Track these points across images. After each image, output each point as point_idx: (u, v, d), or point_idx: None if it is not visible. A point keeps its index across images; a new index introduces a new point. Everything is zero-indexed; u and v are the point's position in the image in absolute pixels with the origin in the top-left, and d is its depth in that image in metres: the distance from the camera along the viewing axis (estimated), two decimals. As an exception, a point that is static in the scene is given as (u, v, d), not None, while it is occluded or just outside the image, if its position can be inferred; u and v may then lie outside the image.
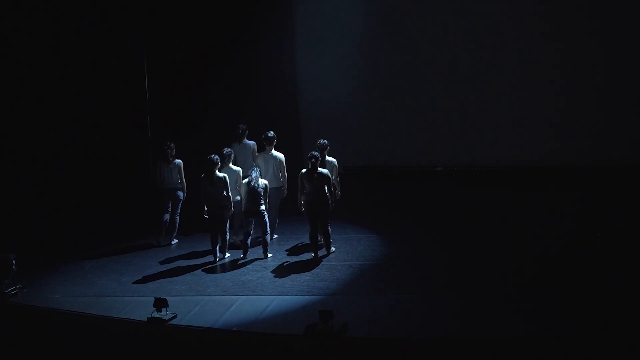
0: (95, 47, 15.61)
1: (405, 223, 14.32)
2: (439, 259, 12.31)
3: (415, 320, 9.98)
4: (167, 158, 13.42)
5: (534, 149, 16.43)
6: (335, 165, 13.00)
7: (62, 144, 15.51)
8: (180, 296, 11.08)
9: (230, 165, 12.94)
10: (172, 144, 13.46)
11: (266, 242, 12.62)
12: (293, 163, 13.73)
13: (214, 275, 12.05)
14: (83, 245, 13.61)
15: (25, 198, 14.83)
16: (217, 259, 12.60)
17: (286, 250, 13.00)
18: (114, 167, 15.71)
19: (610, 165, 15.93)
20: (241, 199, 12.75)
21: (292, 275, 11.84)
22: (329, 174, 12.50)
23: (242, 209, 12.69)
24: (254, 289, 11.35)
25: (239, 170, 12.95)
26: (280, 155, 13.27)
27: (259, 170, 12.68)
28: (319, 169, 12.41)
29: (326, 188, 12.37)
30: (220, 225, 12.62)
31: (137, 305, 10.76)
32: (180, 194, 13.52)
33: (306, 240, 13.28)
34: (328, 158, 12.98)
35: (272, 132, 13.30)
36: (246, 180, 12.53)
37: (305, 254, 12.75)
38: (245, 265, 12.37)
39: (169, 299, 10.23)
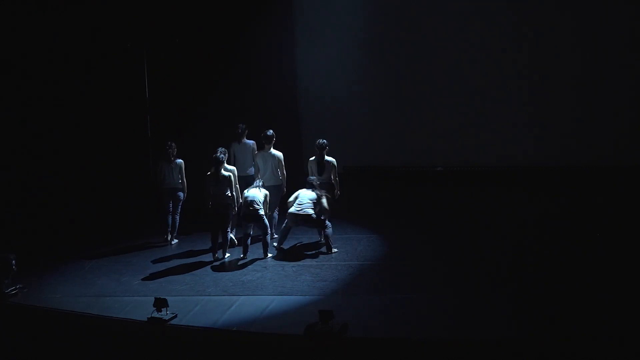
0: (95, 47, 15.62)
1: (404, 223, 14.33)
2: (439, 258, 12.32)
3: (415, 320, 9.98)
4: (169, 158, 13.43)
5: (534, 149, 16.44)
6: (334, 165, 13.01)
7: (62, 143, 15.51)
8: (180, 296, 11.07)
9: (222, 171, 12.90)
10: (174, 144, 13.47)
11: (266, 242, 12.63)
12: (293, 163, 13.74)
13: (214, 275, 12.06)
14: (83, 245, 13.62)
15: (25, 198, 14.82)
16: (217, 258, 12.61)
17: (286, 250, 13.00)
18: (114, 167, 15.71)
19: (611, 166, 15.94)
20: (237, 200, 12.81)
21: (292, 275, 11.84)
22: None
23: (241, 213, 12.70)
24: (254, 289, 11.35)
25: (234, 170, 12.96)
26: (279, 154, 13.28)
27: (261, 182, 12.70)
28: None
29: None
30: (223, 224, 12.64)
31: (137, 305, 10.76)
32: (181, 194, 13.52)
33: (306, 240, 13.32)
34: (327, 158, 13.00)
35: (271, 131, 13.33)
36: (245, 192, 12.56)
37: (304, 253, 12.76)
38: (245, 265, 12.37)
39: (169, 299, 10.23)
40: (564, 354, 8.91)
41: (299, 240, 13.33)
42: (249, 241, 12.68)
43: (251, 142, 13.66)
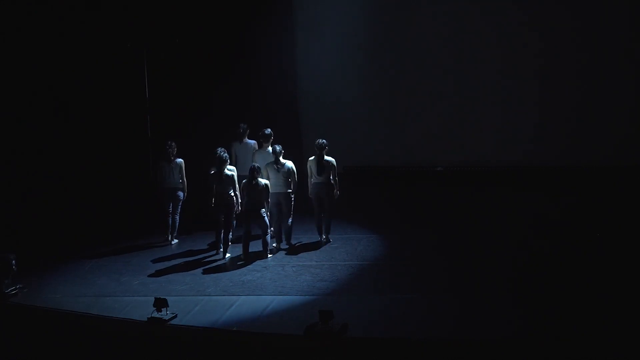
0: (95, 47, 15.61)
1: (405, 223, 14.33)
2: (439, 259, 12.32)
3: (415, 320, 9.98)
4: (168, 157, 13.42)
5: (534, 149, 16.43)
6: (334, 165, 13.02)
7: (62, 143, 15.50)
8: (180, 296, 11.07)
9: (226, 170, 12.92)
10: (173, 144, 13.47)
11: (266, 242, 12.62)
12: (293, 163, 13.70)
13: (214, 275, 12.05)
14: (83, 245, 13.61)
15: (25, 198, 14.82)
16: (220, 252, 12.69)
17: (286, 250, 13.00)
18: (114, 167, 15.71)
19: (611, 165, 15.93)
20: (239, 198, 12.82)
21: (292, 275, 11.84)
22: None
23: (242, 210, 12.70)
24: (254, 289, 11.35)
25: (233, 174, 12.88)
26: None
27: (258, 166, 12.69)
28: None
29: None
30: (225, 222, 12.67)
31: (137, 305, 10.76)
32: (181, 194, 13.51)
33: (305, 240, 13.32)
34: (327, 158, 13.00)
35: (269, 130, 13.38)
36: (245, 181, 12.55)
37: (304, 253, 12.76)
38: (245, 265, 12.37)
39: (169, 299, 10.23)
40: (564, 354, 8.91)
41: (299, 240, 13.33)
42: (249, 241, 12.66)
43: (252, 142, 13.68)
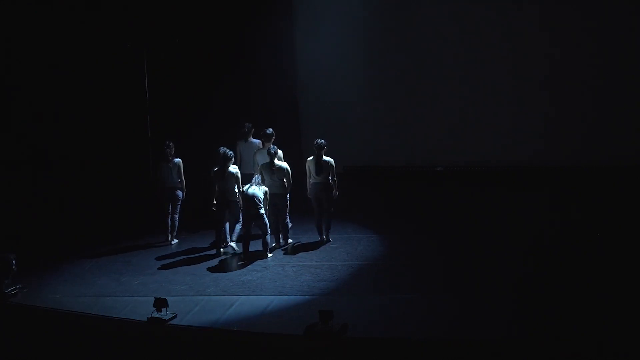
0: (95, 47, 15.61)
1: (405, 223, 14.33)
2: (439, 259, 12.32)
3: (415, 320, 9.98)
4: (167, 157, 13.43)
5: (533, 149, 16.44)
6: (332, 165, 13.03)
7: (62, 143, 15.50)
8: (180, 296, 11.07)
9: (230, 168, 12.98)
10: (172, 143, 13.48)
11: (266, 242, 12.62)
12: (293, 163, 13.71)
13: (214, 275, 12.05)
14: (83, 245, 13.61)
15: (25, 198, 14.82)
16: (224, 247, 12.82)
17: (284, 250, 13.00)
18: (114, 167, 15.70)
19: (611, 165, 15.94)
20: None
21: (292, 275, 11.84)
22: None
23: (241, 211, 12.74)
24: (254, 289, 11.35)
25: (237, 173, 12.95)
26: (278, 151, 13.29)
27: (259, 177, 12.69)
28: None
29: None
30: (229, 219, 12.77)
31: (137, 305, 10.76)
32: (180, 193, 13.51)
33: (305, 240, 13.32)
34: (325, 158, 13.00)
35: (270, 129, 13.41)
36: (246, 187, 12.57)
37: (304, 253, 12.76)
38: (245, 265, 12.37)
39: (169, 299, 10.24)
40: (564, 354, 8.91)
41: (299, 240, 13.33)
42: (249, 241, 12.66)
43: (257, 141, 13.71)
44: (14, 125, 15.16)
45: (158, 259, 12.88)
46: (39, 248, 13.28)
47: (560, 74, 16.31)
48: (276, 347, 9.56)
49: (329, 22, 17.04)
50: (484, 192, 15.87)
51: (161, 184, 13.51)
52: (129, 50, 15.95)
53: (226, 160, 12.68)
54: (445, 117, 16.82)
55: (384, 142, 17.11)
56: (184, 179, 13.49)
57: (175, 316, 10.25)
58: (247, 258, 12.56)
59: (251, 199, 12.42)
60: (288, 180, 12.90)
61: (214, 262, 12.59)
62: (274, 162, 12.82)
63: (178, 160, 13.48)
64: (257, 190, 12.50)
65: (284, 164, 12.94)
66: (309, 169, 13.08)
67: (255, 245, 12.73)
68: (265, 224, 12.54)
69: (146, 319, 10.16)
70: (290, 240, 13.18)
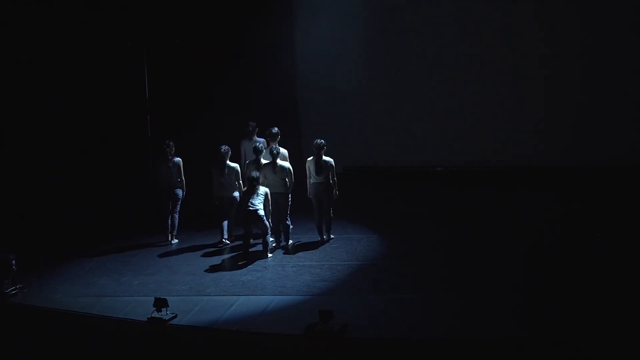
0: (95, 47, 15.61)
1: (405, 223, 14.32)
2: (439, 258, 12.32)
3: (415, 320, 9.98)
4: (167, 157, 13.44)
5: (533, 149, 16.44)
6: (332, 165, 13.03)
7: (62, 143, 15.50)
8: (180, 296, 11.08)
9: (228, 162, 13.15)
10: (171, 143, 13.49)
11: (266, 242, 12.62)
12: (293, 163, 13.72)
13: (214, 275, 12.05)
14: (83, 245, 13.61)
15: (25, 198, 14.82)
16: (224, 241, 13.04)
17: (284, 250, 13.00)
18: (114, 167, 15.71)
19: (611, 165, 15.94)
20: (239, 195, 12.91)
21: (292, 275, 11.84)
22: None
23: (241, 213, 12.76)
24: (254, 289, 11.35)
25: (237, 167, 13.19)
26: (284, 151, 13.34)
27: (260, 190, 12.71)
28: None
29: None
30: (227, 214, 13.01)
31: (137, 305, 10.76)
32: (180, 192, 13.52)
33: (305, 239, 13.32)
34: (325, 158, 13.01)
35: (276, 129, 13.45)
36: (244, 190, 12.64)
37: (304, 253, 12.76)
38: (245, 265, 12.37)
39: (169, 299, 10.24)
40: (564, 354, 8.91)
41: (299, 240, 13.33)
42: (249, 241, 12.66)
43: (261, 140, 13.73)
44: (14, 125, 15.14)
45: (158, 259, 12.89)
46: (39, 248, 13.29)
47: (560, 74, 16.31)
48: (276, 347, 9.56)
49: (329, 22, 17.04)
50: (484, 192, 15.87)
51: (161, 184, 13.52)
52: (129, 50, 15.96)
53: (224, 156, 12.99)
54: (445, 117, 16.82)
55: (384, 142, 17.11)
56: (183, 178, 13.50)
57: (175, 316, 10.25)
58: (247, 258, 12.56)
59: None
60: (290, 179, 12.91)
61: (214, 262, 12.59)
62: (276, 162, 12.84)
63: (178, 159, 13.49)
64: (259, 190, 12.48)
65: (286, 164, 12.95)
66: (309, 169, 13.09)
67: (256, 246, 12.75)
68: (265, 224, 12.53)
69: (146, 319, 10.16)
70: (290, 241, 13.18)
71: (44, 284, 11.86)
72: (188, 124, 15.94)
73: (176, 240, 13.62)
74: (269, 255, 12.64)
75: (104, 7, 15.61)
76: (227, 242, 13.24)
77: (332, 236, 13.23)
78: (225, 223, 13.28)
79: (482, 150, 16.70)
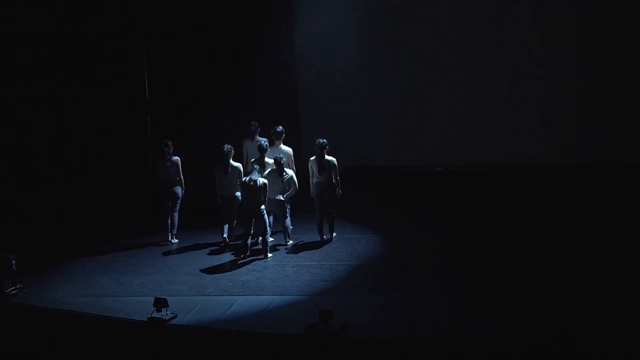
0: (95, 47, 15.61)
1: (405, 223, 14.32)
2: (439, 258, 12.32)
3: (415, 320, 9.99)
4: (165, 156, 13.45)
5: (533, 149, 16.43)
6: (334, 165, 13.03)
7: (62, 143, 15.51)
8: (180, 296, 11.08)
9: (230, 161, 13.12)
10: (170, 142, 13.50)
11: (266, 242, 12.62)
12: (295, 162, 13.74)
13: (214, 275, 12.05)
14: (83, 245, 13.61)
15: (25, 198, 14.82)
16: (225, 238, 13.03)
17: (285, 250, 13.00)
18: (114, 167, 15.71)
19: (611, 166, 15.93)
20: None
21: (292, 275, 11.84)
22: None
23: (241, 209, 12.77)
24: (254, 289, 11.35)
25: (239, 166, 13.15)
26: (288, 149, 13.37)
27: (258, 167, 12.71)
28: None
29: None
30: (229, 214, 13.01)
31: (137, 305, 10.77)
32: (179, 190, 13.52)
33: (305, 239, 13.32)
34: (327, 157, 13.01)
35: (280, 127, 13.48)
36: (245, 178, 12.59)
37: (304, 253, 12.76)
38: (245, 265, 12.37)
39: (169, 299, 10.24)
40: (564, 354, 8.91)
41: (299, 240, 13.33)
42: (249, 241, 12.66)
43: (264, 139, 13.71)
44: (14, 125, 15.14)
45: (158, 258, 12.89)
46: (39, 248, 13.28)
47: (560, 74, 16.30)
48: (276, 347, 9.56)
49: (329, 22, 17.02)
50: (484, 192, 15.86)
51: (160, 183, 13.53)
52: (129, 50, 15.96)
53: (227, 155, 12.97)
54: (445, 117, 16.81)
55: (384, 142, 17.10)
56: (182, 177, 13.51)
57: (175, 316, 10.26)
58: (247, 257, 12.56)
59: (250, 180, 12.41)
60: (294, 187, 12.91)
61: (214, 262, 12.59)
62: (282, 172, 12.82)
63: (176, 158, 13.50)
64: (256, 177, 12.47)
65: (291, 171, 12.94)
66: (312, 169, 13.09)
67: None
68: (265, 222, 12.53)
69: (146, 319, 10.16)
70: (290, 241, 13.17)
71: (44, 284, 11.86)
72: (188, 124, 15.93)
73: (176, 240, 13.62)
74: (269, 255, 12.64)
75: (104, 7, 15.61)
76: (228, 242, 13.23)
77: (334, 233, 13.23)
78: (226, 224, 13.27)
79: (482, 150, 16.70)
